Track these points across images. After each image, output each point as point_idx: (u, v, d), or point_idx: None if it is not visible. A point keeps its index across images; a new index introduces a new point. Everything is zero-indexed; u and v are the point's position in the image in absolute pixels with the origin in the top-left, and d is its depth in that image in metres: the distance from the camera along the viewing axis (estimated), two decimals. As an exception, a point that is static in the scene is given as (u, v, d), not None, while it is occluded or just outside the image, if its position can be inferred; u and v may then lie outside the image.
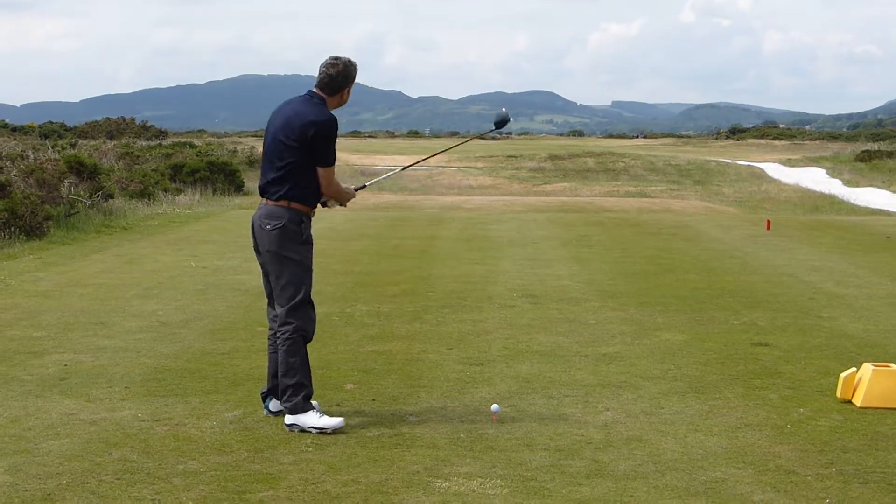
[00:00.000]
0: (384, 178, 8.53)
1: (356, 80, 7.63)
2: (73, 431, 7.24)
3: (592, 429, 7.42)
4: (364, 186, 8.24)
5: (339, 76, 7.45)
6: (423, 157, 9.76)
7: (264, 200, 7.48)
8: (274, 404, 7.69)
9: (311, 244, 7.50)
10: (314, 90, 7.50)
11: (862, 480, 6.36)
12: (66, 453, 6.72)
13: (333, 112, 7.51)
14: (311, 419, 7.29)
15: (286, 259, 7.37)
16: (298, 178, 7.33)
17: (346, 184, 7.78)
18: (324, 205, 7.70)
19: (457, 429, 7.38)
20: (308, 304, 7.44)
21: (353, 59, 7.54)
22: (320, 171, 7.34)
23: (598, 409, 7.96)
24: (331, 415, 7.50)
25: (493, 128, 8.64)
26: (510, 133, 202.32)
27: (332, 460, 6.65)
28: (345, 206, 7.89)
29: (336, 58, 7.51)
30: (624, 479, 6.31)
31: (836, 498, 6.04)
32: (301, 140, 7.25)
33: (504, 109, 8.52)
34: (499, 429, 7.40)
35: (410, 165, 9.33)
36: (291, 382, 7.35)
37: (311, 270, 7.48)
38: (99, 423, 7.47)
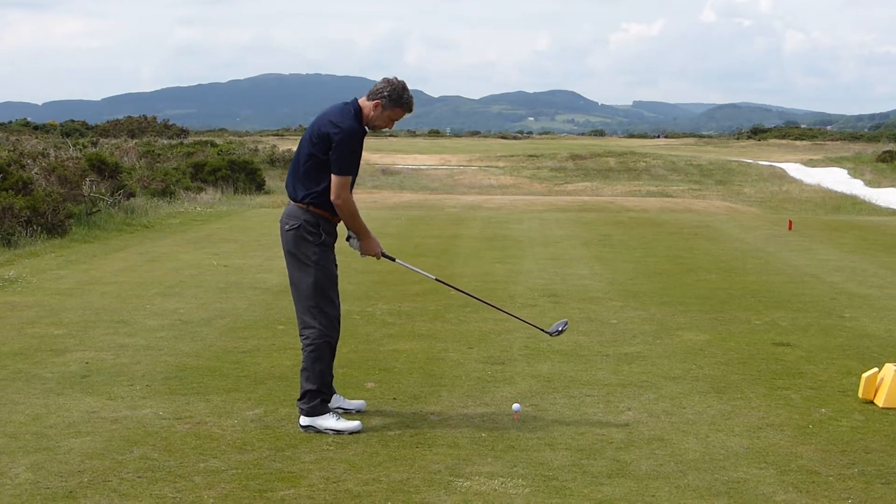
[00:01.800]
0: (413, 269, 8.38)
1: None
2: (94, 429, 7.25)
3: (614, 428, 7.40)
4: (394, 259, 8.07)
5: (385, 90, 7.34)
6: (453, 286, 9.28)
7: (289, 200, 7.48)
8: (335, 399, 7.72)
9: (330, 247, 7.45)
10: (359, 98, 7.46)
11: (884, 481, 6.34)
12: (87, 451, 6.73)
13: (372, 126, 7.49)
14: (328, 422, 7.28)
15: (302, 261, 7.34)
16: (318, 182, 7.28)
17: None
18: (347, 239, 7.63)
19: (478, 428, 7.38)
20: (329, 306, 7.40)
21: (411, 92, 7.47)
22: (332, 178, 7.27)
23: (620, 409, 7.94)
24: (349, 418, 7.50)
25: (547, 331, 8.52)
26: (531, 132, 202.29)
27: (354, 459, 6.64)
28: (362, 254, 7.72)
29: (399, 80, 7.44)
30: (646, 479, 6.29)
31: (859, 498, 6.02)
32: (320, 143, 7.23)
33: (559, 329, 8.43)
34: (520, 428, 7.38)
35: (442, 282, 8.72)
36: (310, 388, 7.34)
37: (329, 272, 7.38)
38: (120, 421, 7.48)
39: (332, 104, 7.54)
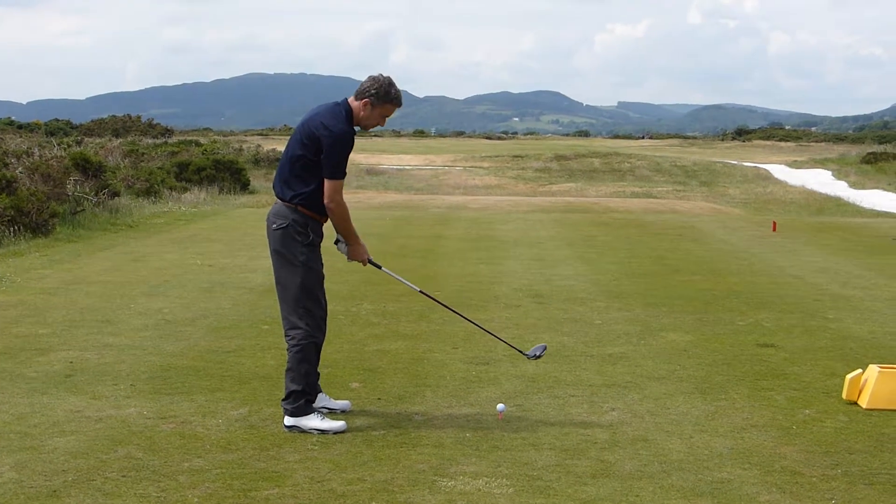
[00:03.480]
0: (398, 278, 8.31)
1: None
2: (78, 429, 7.24)
3: (598, 429, 7.42)
4: (380, 267, 8.05)
5: (372, 88, 7.33)
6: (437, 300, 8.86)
7: (277, 199, 7.47)
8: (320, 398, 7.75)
9: (318, 247, 7.45)
10: (349, 98, 7.46)
11: (867, 482, 6.36)
12: (71, 450, 6.72)
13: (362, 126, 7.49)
14: (313, 422, 7.28)
15: (289, 260, 7.33)
16: (308, 183, 7.27)
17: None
18: (336, 242, 7.63)
19: (462, 428, 7.38)
20: (315, 307, 7.40)
21: (398, 87, 7.46)
22: (325, 181, 7.26)
23: (604, 409, 7.95)
24: (334, 418, 7.50)
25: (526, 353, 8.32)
26: (516, 133, 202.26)
27: (338, 459, 6.65)
28: (349, 259, 7.69)
29: (384, 76, 7.44)
30: (630, 479, 6.30)
31: (842, 499, 6.04)
32: (311, 145, 7.22)
33: (537, 354, 8.25)
34: (504, 428, 7.39)
35: (427, 295, 8.62)
36: (295, 388, 7.33)
37: (316, 272, 7.38)
38: (104, 420, 7.47)
39: (322, 104, 7.53)
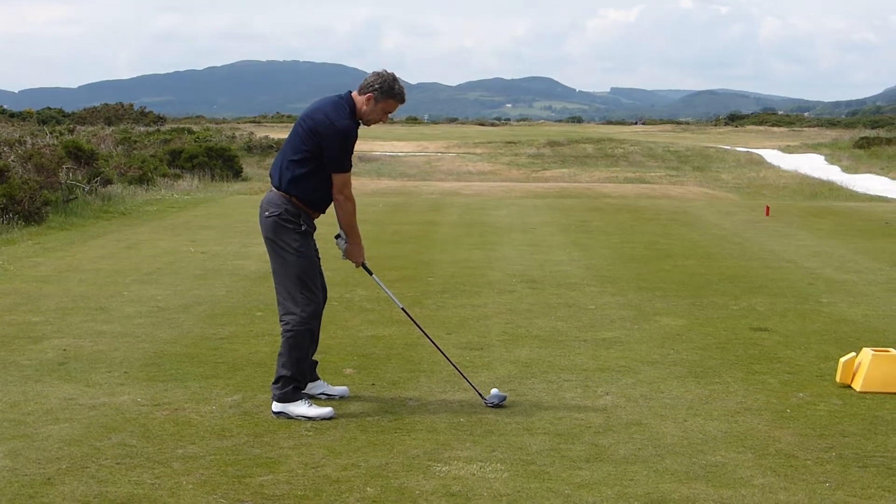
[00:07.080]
0: (387, 291, 8.25)
1: (379, 86, 7.36)
2: (72, 416, 7.23)
3: (592, 413, 7.41)
4: (371, 273, 8.02)
5: (376, 83, 7.33)
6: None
7: (272, 187, 7.46)
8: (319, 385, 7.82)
9: (310, 236, 7.44)
10: (352, 92, 7.46)
11: (861, 464, 6.36)
12: (65, 438, 6.71)
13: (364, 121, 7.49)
14: (300, 409, 7.27)
15: (283, 248, 7.31)
16: (305, 174, 7.26)
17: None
18: (336, 237, 7.61)
19: (457, 413, 7.38)
20: (311, 294, 7.38)
21: (403, 87, 7.48)
22: (333, 176, 7.29)
23: (598, 394, 7.95)
24: (321, 405, 7.49)
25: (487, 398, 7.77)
26: (509, 119, 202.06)
27: (332, 444, 6.64)
28: (343, 256, 7.66)
29: (388, 72, 7.44)
30: (624, 463, 6.30)
31: (836, 482, 6.04)
32: (313, 138, 7.22)
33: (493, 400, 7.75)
34: (498, 413, 7.39)
35: (408, 314, 8.21)
36: (285, 374, 7.33)
37: (309, 259, 7.38)
38: (98, 407, 7.46)
39: (324, 96, 7.54)
